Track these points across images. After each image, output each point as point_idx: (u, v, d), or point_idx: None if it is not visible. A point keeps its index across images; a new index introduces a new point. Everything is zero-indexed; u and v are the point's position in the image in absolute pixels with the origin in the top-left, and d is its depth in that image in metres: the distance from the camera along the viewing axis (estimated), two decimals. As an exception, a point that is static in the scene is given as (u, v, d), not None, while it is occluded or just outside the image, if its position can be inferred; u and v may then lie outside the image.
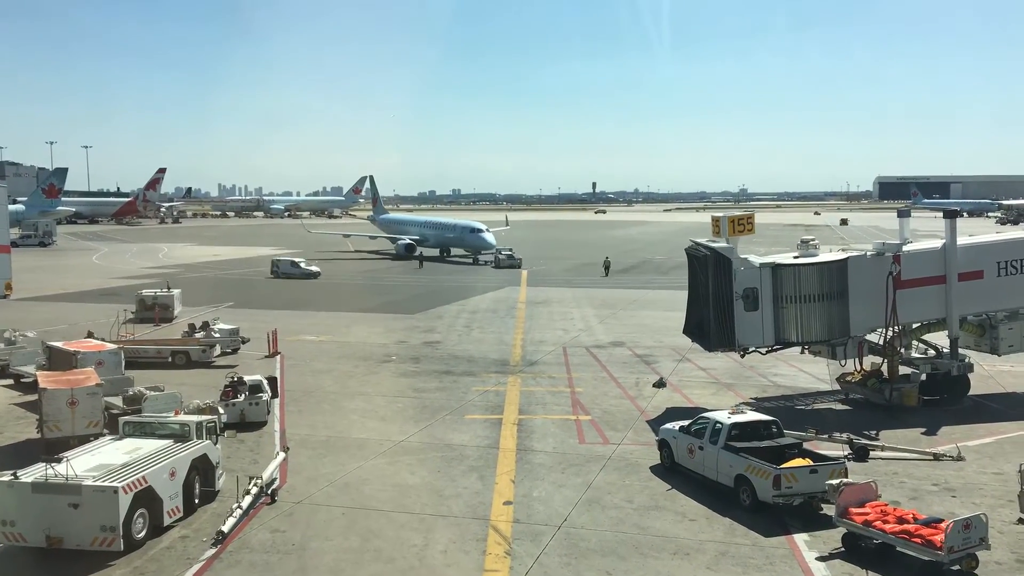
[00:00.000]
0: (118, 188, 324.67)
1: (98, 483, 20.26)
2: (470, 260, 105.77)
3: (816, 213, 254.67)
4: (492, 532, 21.91)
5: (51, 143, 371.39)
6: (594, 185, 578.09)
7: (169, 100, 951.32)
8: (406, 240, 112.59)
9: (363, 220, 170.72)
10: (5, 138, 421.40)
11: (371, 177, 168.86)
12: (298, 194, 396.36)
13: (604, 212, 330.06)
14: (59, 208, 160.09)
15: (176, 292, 59.85)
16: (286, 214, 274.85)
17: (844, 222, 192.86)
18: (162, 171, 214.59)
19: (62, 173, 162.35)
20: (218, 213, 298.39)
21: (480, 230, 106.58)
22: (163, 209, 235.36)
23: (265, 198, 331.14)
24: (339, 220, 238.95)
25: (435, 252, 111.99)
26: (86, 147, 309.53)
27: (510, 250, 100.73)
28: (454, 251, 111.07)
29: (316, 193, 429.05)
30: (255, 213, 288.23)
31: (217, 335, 45.54)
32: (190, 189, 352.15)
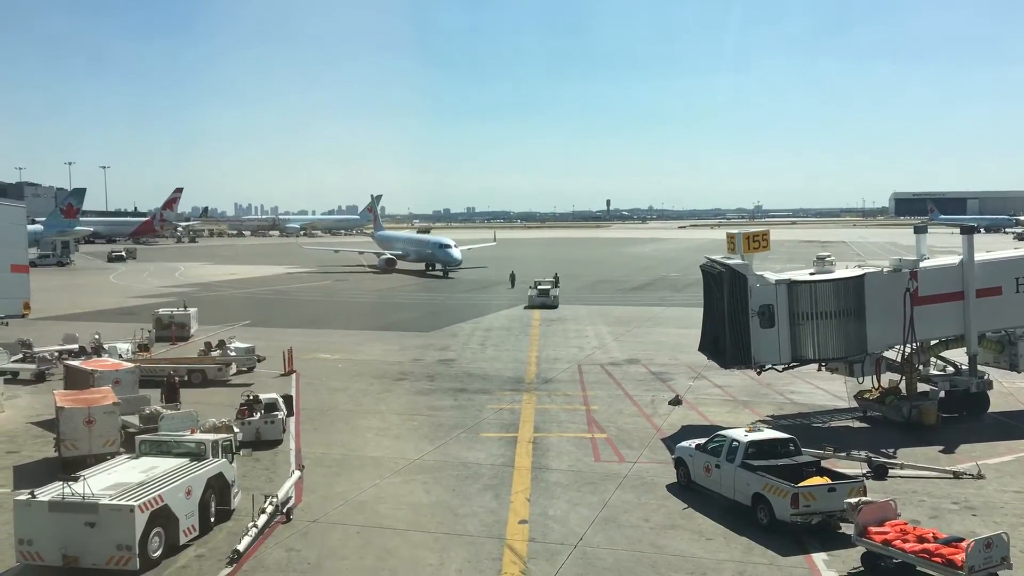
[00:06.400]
0: (135, 208, 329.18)
1: (114, 501, 20.32)
2: (441, 274, 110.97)
3: None
4: (507, 551, 21.81)
5: (70, 163, 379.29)
6: (608, 203, 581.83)
7: (186, 120, 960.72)
8: (386, 255, 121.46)
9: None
10: (24, 159, 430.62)
11: (372, 196, 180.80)
12: (313, 213, 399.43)
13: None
14: (77, 228, 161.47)
15: (193, 311, 60.18)
16: (302, 233, 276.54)
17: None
18: (179, 191, 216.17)
19: (80, 193, 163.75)
20: (234, 232, 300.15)
21: (448, 246, 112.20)
22: (179, 228, 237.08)
23: (281, 217, 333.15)
24: (352, 238, 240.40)
25: (420, 266, 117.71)
26: (104, 167, 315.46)
27: (484, 267, 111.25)
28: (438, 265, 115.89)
29: (331, 212, 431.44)
30: (271, 232, 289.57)
31: (233, 353, 45.78)
32: (207, 208, 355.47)
